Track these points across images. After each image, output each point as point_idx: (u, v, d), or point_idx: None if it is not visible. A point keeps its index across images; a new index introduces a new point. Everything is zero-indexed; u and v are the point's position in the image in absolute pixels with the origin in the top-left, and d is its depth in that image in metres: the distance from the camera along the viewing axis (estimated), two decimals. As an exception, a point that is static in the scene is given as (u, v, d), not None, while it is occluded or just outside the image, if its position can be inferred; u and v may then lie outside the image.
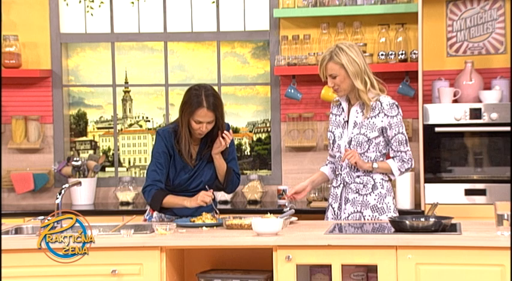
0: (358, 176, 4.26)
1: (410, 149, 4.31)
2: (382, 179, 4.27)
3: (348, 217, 4.26)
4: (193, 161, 4.24)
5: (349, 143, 4.25)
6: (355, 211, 4.25)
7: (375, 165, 4.23)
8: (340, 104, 4.36)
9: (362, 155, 4.23)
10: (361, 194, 4.25)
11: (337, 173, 4.34)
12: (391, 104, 4.23)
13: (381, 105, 4.23)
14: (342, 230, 3.91)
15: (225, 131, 4.20)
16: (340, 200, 4.30)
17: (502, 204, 3.56)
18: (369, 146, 4.23)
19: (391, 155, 4.28)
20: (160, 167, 4.21)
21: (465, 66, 5.45)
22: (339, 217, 4.30)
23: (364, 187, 4.25)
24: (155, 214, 4.33)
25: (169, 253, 3.67)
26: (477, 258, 3.42)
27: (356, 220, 4.23)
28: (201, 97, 4.11)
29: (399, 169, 4.27)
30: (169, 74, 6.06)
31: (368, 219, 4.22)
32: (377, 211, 4.23)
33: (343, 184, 4.29)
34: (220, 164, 4.26)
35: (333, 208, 4.32)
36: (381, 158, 4.27)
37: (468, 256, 3.42)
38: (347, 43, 4.25)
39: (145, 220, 4.39)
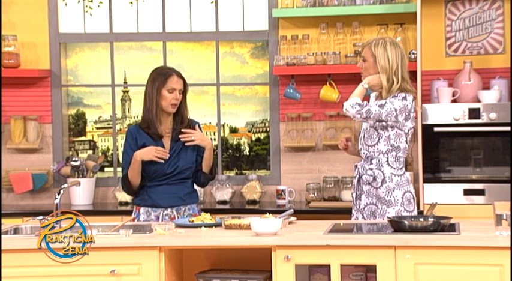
0: (371, 169, 4.37)
1: (408, 148, 4.33)
2: (392, 173, 4.34)
3: (364, 208, 4.39)
4: (168, 136, 4.43)
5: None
6: (370, 202, 4.36)
7: (365, 85, 4.34)
8: None
9: (372, 147, 4.35)
10: (373, 187, 4.36)
11: (354, 164, 4.49)
12: (399, 93, 4.30)
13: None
14: (340, 230, 3.90)
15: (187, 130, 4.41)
16: (357, 190, 4.43)
17: (501, 204, 3.56)
18: (378, 139, 4.33)
19: None
20: (126, 166, 4.40)
21: (464, 66, 5.45)
22: (357, 206, 4.44)
23: (374, 179, 4.35)
24: (142, 210, 4.41)
25: (168, 253, 3.67)
26: (476, 258, 3.42)
27: (371, 213, 4.35)
28: (169, 69, 4.49)
29: (354, 100, 4.27)
30: (168, 74, 6.05)
31: (379, 212, 4.32)
32: (385, 204, 4.31)
33: (359, 175, 4.42)
34: (207, 157, 4.43)
35: (353, 197, 4.47)
36: (393, 152, 4.33)
37: (467, 256, 3.43)
38: (395, 42, 4.39)
39: (134, 219, 4.41)
